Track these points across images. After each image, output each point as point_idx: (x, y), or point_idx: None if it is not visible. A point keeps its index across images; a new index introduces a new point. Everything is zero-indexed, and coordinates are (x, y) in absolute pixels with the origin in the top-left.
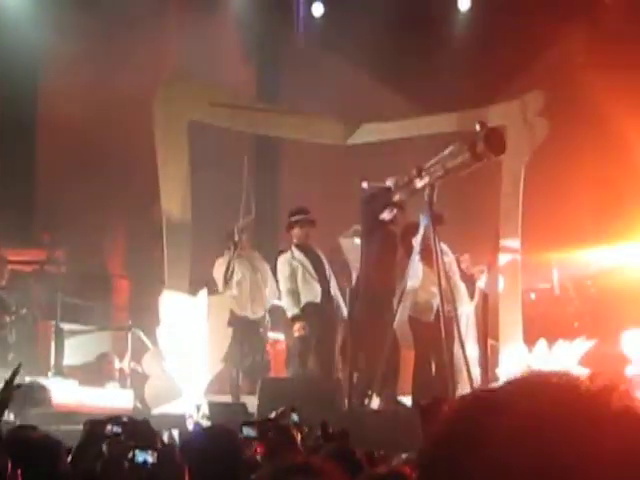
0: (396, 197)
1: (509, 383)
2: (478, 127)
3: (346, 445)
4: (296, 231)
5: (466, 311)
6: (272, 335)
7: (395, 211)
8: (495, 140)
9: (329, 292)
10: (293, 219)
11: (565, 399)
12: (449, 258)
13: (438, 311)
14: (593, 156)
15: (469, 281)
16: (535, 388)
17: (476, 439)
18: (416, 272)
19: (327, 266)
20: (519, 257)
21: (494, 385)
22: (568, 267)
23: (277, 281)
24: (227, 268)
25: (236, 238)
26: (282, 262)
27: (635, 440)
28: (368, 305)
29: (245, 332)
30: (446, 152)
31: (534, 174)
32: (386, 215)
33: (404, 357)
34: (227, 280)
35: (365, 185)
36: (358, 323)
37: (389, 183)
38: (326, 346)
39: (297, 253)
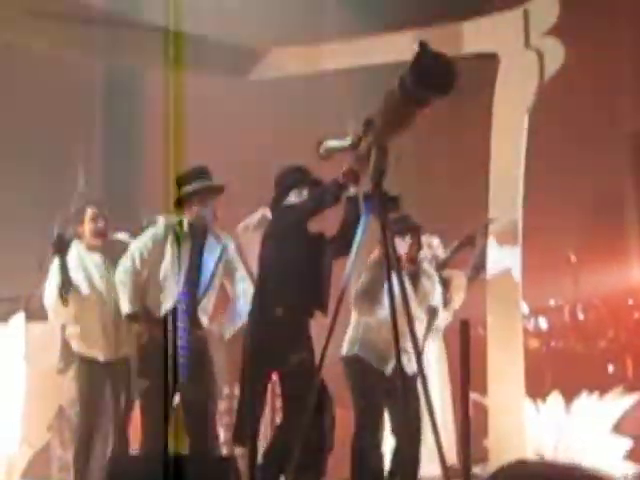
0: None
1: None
2: (416, 49)
3: None
4: (194, 208)
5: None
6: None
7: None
8: (434, 70)
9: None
10: (188, 188)
11: None
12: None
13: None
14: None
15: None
16: None
17: None
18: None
19: None
20: (518, 258)
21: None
22: (597, 276)
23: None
24: (63, 277)
25: (74, 231)
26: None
27: None
28: (270, 338)
29: (94, 382)
30: (387, 92)
31: (544, 127)
32: (294, 199)
33: (340, 420)
34: (63, 297)
35: None
36: (256, 366)
37: (325, 147)
38: (200, 403)
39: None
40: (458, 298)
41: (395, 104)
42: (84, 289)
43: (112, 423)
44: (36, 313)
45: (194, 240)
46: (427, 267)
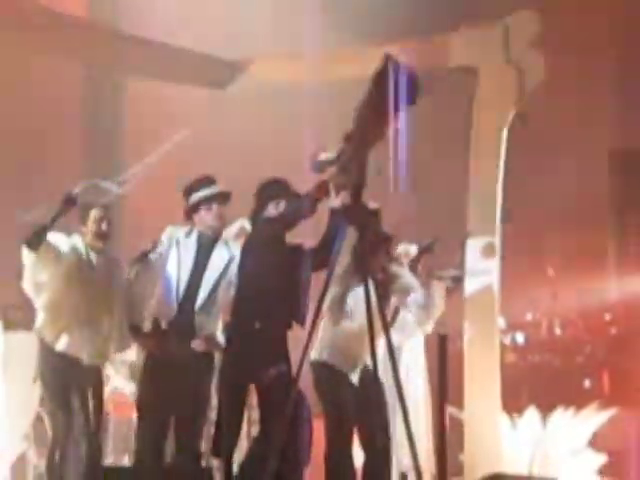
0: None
1: None
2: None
3: None
4: (202, 215)
5: (410, 353)
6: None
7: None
8: (397, 82)
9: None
10: (194, 196)
11: None
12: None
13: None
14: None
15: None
16: None
17: None
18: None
19: None
20: (496, 272)
21: None
22: (575, 291)
23: None
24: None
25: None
26: None
27: None
28: (248, 351)
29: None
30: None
31: (522, 140)
32: (272, 211)
33: (318, 431)
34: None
35: None
36: (234, 379)
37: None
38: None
39: None
40: (439, 304)
41: (365, 117)
42: (68, 260)
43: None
44: (13, 322)
45: (200, 250)
46: (398, 270)
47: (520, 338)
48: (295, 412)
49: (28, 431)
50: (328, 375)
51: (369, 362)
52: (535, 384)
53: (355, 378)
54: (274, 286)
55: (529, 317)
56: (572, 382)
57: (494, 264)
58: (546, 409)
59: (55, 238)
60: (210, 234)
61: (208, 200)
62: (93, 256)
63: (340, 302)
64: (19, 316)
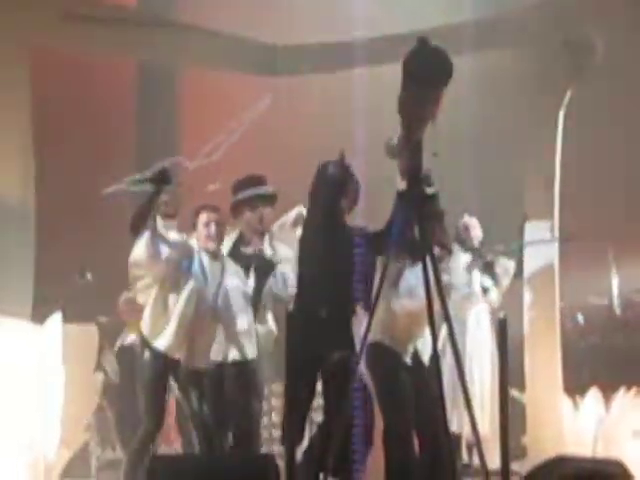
0: None
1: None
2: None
3: None
4: (246, 215)
5: (475, 337)
6: None
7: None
8: (428, 63)
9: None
10: (239, 196)
11: None
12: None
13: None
14: None
15: (486, 269)
16: None
17: None
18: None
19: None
20: (556, 255)
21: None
22: (635, 270)
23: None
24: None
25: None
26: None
27: None
28: (314, 339)
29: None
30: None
31: (580, 123)
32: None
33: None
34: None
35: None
36: (300, 367)
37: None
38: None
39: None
40: (505, 280)
41: (404, 102)
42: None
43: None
44: (73, 314)
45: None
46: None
47: (581, 319)
48: (358, 395)
49: (90, 421)
50: (381, 354)
51: (419, 344)
52: (597, 365)
53: (408, 359)
54: (338, 273)
55: (589, 298)
56: (634, 362)
57: (553, 246)
58: (608, 390)
59: (163, 233)
60: (250, 234)
61: (253, 201)
62: (205, 258)
63: (394, 283)
64: (79, 307)
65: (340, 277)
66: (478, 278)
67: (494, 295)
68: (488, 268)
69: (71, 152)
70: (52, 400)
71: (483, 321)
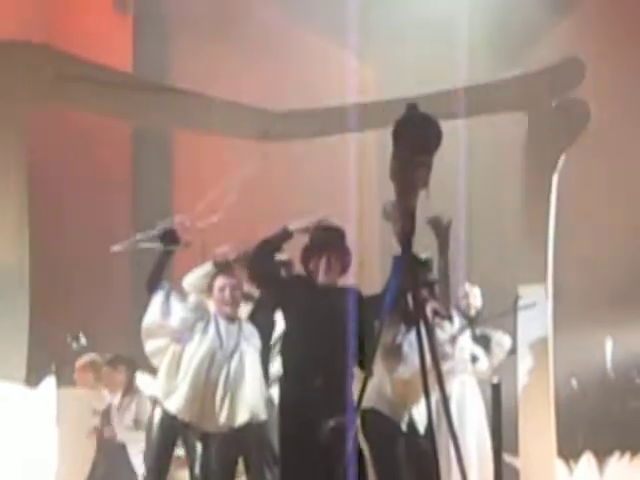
0: None
1: None
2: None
3: None
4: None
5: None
6: None
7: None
8: (417, 131)
9: None
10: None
11: None
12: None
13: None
14: None
15: (480, 341)
16: None
17: None
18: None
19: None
20: (550, 320)
21: None
22: (631, 336)
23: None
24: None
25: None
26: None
27: None
28: (307, 408)
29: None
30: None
31: (573, 185)
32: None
33: None
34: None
35: None
36: (294, 434)
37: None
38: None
39: None
40: (500, 355)
41: (394, 168)
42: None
43: None
44: (66, 378)
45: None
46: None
47: (575, 383)
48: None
49: None
50: (377, 421)
51: (414, 412)
52: (591, 430)
53: (404, 427)
54: (335, 334)
55: (583, 363)
56: (628, 427)
57: (547, 311)
58: (602, 455)
59: (178, 296)
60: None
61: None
62: (221, 321)
63: (397, 349)
64: (71, 372)
65: (333, 340)
66: (468, 347)
67: (484, 366)
68: (482, 341)
69: (67, 215)
70: (45, 462)
71: (468, 392)
